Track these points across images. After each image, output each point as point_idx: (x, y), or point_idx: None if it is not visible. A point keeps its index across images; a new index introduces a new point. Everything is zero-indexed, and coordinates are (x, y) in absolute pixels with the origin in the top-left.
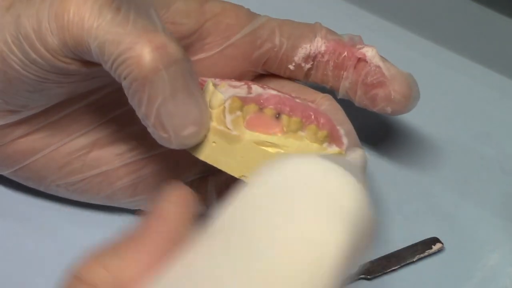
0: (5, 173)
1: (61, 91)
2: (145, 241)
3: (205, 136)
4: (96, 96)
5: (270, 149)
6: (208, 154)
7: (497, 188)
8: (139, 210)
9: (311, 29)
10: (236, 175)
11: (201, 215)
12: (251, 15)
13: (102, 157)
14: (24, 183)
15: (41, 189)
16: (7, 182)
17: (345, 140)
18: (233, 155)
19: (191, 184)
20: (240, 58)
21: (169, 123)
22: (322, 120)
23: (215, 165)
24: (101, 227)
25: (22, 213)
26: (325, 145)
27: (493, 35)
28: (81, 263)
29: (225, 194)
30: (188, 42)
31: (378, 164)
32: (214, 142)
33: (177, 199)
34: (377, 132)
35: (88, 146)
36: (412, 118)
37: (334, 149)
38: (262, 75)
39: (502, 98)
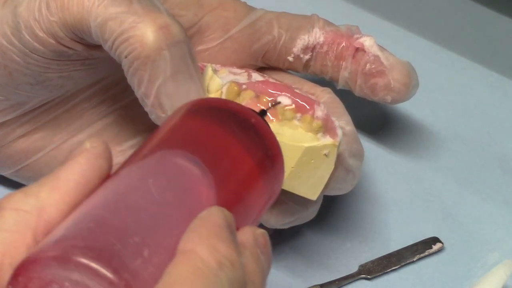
0: (7, 173)
1: (61, 82)
2: (60, 177)
3: None
4: (95, 89)
5: None
6: None
7: (497, 187)
8: None
9: (308, 21)
10: None
11: None
12: (249, 8)
13: None
14: (25, 183)
15: None
16: (7, 182)
17: (339, 132)
18: None
19: None
20: (239, 50)
21: (168, 103)
22: (318, 111)
23: None
24: None
25: None
26: (319, 135)
27: (493, 35)
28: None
29: None
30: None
31: (378, 164)
32: None
33: (90, 149)
34: (377, 132)
35: None
36: (412, 118)
37: (328, 139)
38: (262, 69)
39: (502, 98)
